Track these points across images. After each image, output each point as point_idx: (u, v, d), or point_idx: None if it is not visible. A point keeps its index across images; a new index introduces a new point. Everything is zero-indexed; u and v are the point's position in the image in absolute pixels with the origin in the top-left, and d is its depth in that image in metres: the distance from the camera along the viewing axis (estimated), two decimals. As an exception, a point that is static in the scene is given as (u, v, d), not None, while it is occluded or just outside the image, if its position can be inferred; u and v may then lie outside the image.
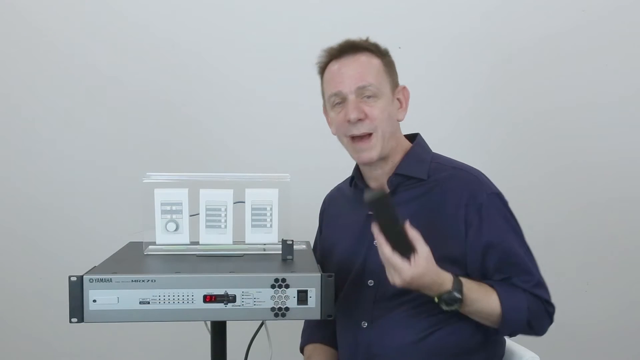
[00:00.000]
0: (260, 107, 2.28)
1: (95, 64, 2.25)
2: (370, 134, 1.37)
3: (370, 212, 1.41)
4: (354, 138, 1.38)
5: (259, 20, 2.26)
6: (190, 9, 2.25)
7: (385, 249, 1.19)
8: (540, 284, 1.36)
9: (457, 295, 1.24)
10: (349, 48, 1.40)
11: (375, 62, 1.40)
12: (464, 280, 1.28)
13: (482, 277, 1.36)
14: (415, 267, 1.19)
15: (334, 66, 1.41)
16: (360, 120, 1.35)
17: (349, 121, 1.36)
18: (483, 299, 1.30)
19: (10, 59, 2.24)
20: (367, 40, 1.42)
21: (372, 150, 1.37)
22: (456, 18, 2.29)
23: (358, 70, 1.37)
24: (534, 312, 1.32)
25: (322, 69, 1.45)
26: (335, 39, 1.46)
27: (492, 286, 1.32)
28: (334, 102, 1.40)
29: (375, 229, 1.20)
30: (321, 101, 1.50)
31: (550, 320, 1.38)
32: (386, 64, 1.42)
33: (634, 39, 2.32)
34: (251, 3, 2.26)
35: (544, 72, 2.32)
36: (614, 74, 2.33)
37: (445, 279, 1.25)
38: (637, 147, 2.35)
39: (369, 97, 1.36)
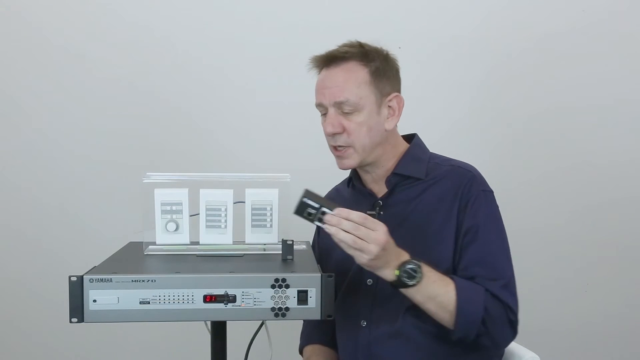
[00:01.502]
0: (261, 107, 2.28)
1: (95, 64, 2.25)
2: (347, 147, 1.38)
3: (368, 212, 1.41)
4: (334, 147, 1.41)
5: (259, 21, 2.26)
6: (191, 10, 2.25)
7: (342, 235, 1.16)
8: (507, 287, 1.31)
9: (417, 262, 1.21)
10: (333, 58, 1.39)
11: (359, 73, 1.36)
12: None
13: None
14: (378, 226, 1.17)
15: (320, 75, 1.42)
16: (337, 133, 1.37)
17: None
18: (441, 284, 1.26)
19: (10, 58, 2.24)
20: (358, 45, 1.40)
21: (348, 159, 1.39)
22: (456, 18, 2.29)
23: (338, 85, 1.36)
24: (491, 313, 1.26)
25: (318, 72, 1.46)
26: (335, 39, 1.46)
27: (451, 278, 1.29)
28: (320, 111, 1.42)
29: (326, 228, 1.17)
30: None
31: (513, 330, 1.31)
32: (374, 73, 1.37)
33: (634, 39, 2.32)
34: (251, 4, 2.26)
35: (543, 72, 2.32)
36: (614, 75, 2.33)
37: (401, 251, 1.23)
38: (637, 147, 2.35)
39: (347, 111, 1.36)
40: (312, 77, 1.50)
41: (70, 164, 2.27)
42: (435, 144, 1.53)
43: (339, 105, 1.36)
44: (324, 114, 1.41)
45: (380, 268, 1.21)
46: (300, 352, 1.62)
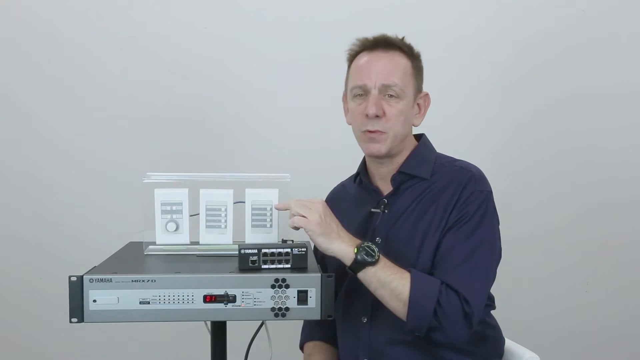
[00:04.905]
0: (261, 107, 2.28)
1: (95, 63, 2.24)
2: (382, 132, 1.38)
3: (373, 210, 1.43)
4: (366, 131, 1.39)
5: (260, 21, 2.26)
6: (191, 9, 2.25)
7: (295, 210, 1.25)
8: (470, 279, 1.28)
9: (375, 246, 1.26)
10: (383, 43, 1.41)
11: (405, 63, 1.41)
12: None
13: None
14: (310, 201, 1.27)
15: (363, 58, 1.41)
16: (377, 116, 1.36)
17: (367, 115, 1.37)
18: (395, 270, 1.27)
19: (10, 59, 2.24)
20: (402, 39, 1.43)
21: (381, 144, 1.39)
22: (459, 18, 2.28)
23: (387, 68, 1.38)
24: (444, 307, 1.25)
25: (352, 57, 1.46)
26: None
27: (408, 270, 1.29)
28: (356, 93, 1.41)
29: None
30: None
31: (467, 325, 1.26)
32: (415, 67, 1.43)
33: (635, 38, 2.32)
34: (252, 4, 2.26)
35: (544, 72, 2.32)
36: (615, 73, 2.33)
37: (349, 235, 1.29)
38: (637, 147, 2.35)
39: (391, 96, 1.38)
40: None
41: (71, 164, 2.26)
42: (445, 145, 1.53)
43: (385, 88, 1.37)
44: (360, 96, 1.40)
45: (330, 239, 1.25)
46: (301, 347, 1.62)
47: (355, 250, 1.25)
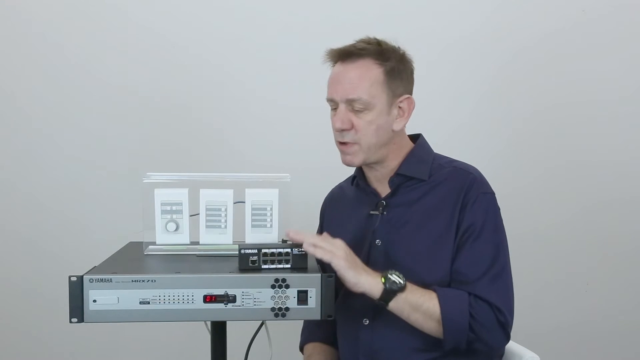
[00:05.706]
0: (261, 107, 2.28)
1: (95, 63, 2.25)
2: (353, 144, 1.38)
3: (371, 212, 1.43)
4: (340, 142, 1.40)
5: (260, 21, 2.26)
6: (193, 8, 2.25)
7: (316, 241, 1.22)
8: (497, 288, 1.30)
9: (398, 272, 1.25)
10: (348, 54, 1.38)
11: (374, 71, 1.36)
12: None
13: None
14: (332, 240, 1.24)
15: (335, 69, 1.41)
16: (345, 129, 1.36)
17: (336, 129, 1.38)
18: (423, 292, 1.27)
19: (10, 59, 2.24)
20: (375, 42, 1.39)
21: (353, 156, 1.39)
22: (458, 18, 2.29)
23: (351, 82, 1.35)
24: (478, 319, 1.27)
25: (332, 65, 1.45)
26: (336, 40, 1.45)
27: (433, 289, 1.30)
28: (330, 105, 1.42)
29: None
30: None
31: (504, 333, 1.30)
32: (388, 72, 1.37)
33: (635, 38, 2.32)
34: (253, 4, 2.26)
35: (547, 72, 2.32)
36: (615, 74, 2.33)
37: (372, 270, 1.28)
38: (637, 146, 2.35)
39: (358, 109, 1.36)
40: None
41: (71, 164, 2.27)
42: (442, 145, 1.52)
43: (350, 102, 1.36)
44: (334, 109, 1.40)
45: (359, 273, 1.23)
46: (301, 349, 1.62)
47: (383, 280, 1.24)
